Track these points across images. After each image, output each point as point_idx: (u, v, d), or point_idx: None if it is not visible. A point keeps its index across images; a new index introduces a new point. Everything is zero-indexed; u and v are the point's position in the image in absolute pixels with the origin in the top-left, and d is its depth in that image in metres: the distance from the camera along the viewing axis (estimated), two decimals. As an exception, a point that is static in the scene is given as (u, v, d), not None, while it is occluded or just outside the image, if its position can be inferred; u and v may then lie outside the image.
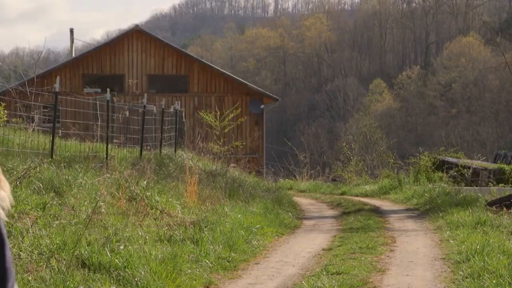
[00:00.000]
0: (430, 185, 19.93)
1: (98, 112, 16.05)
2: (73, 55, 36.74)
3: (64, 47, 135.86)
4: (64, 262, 7.00)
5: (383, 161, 33.28)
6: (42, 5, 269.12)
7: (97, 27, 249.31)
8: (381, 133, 41.60)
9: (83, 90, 32.14)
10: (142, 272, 7.30)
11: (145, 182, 11.51)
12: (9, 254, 2.50)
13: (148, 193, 11.05)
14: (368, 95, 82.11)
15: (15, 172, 9.04)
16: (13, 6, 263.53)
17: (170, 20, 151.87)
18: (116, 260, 7.39)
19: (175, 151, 18.62)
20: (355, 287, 7.85)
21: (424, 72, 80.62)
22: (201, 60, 36.00)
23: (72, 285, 6.57)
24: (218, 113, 25.80)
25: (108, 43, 34.90)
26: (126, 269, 7.30)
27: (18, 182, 8.39)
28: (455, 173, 24.74)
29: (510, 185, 25.56)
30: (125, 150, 15.44)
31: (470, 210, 13.73)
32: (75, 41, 37.86)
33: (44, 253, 7.09)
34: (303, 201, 20.45)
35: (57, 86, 11.79)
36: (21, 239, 7.11)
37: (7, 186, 2.75)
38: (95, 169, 11.49)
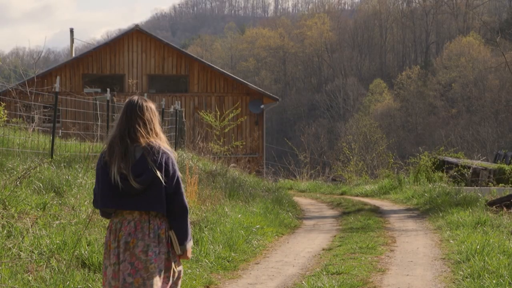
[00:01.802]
0: (430, 185, 19.93)
1: (98, 112, 16.05)
2: (73, 55, 36.74)
3: (64, 47, 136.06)
4: (64, 262, 7.00)
5: (383, 161, 33.28)
6: (47, 4, 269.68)
7: (100, 27, 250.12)
8: (381, 133, 41.61)
9: (83, 90, 32.14)
10: (142, 272, 7.30)
11: (145, 182, 11.49)
12: (184, 194, 4.47)
13: (148, 193, 11.03)
14: (368, 95, 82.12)
15: (15, 172, 9.04)
16: (18, 6, 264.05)
17: (170, 20, 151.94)
18: (116, 260, 7.39)
19: (175, 151, 18.62)
20: (355, 287, 7.85)
21: (424, 72, 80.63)
22: (201, 60, 36.00)
23: (72, 285, 6.57)
24: (218, 113, 25.82)
25: (108, 43, 34.88)
26: (126, 269, 7.29)
27: (18, 182, 8.39)
28: (455, 173, 24.74)
29: (510, 185, 25.56)
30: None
31: (470, 210, 13.73)
32: (75, 41, 37.87)
33: (44, 253, 7.09)
34: (303, 201, 20.45)
35: (57, 86, 11.79)
36: (21, 239, 7.11)
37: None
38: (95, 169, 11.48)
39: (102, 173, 4.47)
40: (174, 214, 4.47)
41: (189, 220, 4.55)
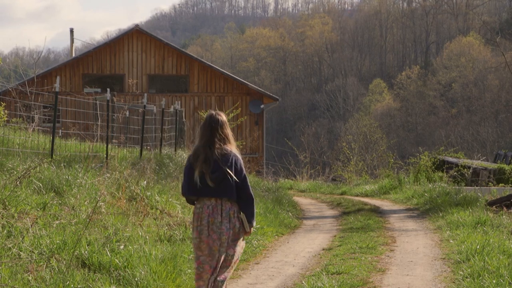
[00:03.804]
0: (430, 185, 19.91)
1: (98, 112, 16.05)
2: (73, 55, 36.73)
3: (64, 47, 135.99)
4: (64, 262, 7.00)
5: (383, 161, 33.27)
6: (52, 4, 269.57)
7: (104, 27, 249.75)
8: (381, 133, 41.59)
9: (83, 90, 32.14)
10: (142, 272, 7.30)
11: (145, 182, 11.51)
12: (249, 186, 6.05)
13: (148, 193, 11.05)
14: (368, 95, 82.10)
15: (15, 172, 9.03)
16: (22, 6, 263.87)
17: (170, 20, 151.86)
18: (116, 260, 7.39)
19: (175, 151, 18.62)
20: (355, 287, 7.85)
21: (424, 72, 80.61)
22: (201, 60, 35.98)
23: (72, 285, 6.57)
24: (218, 113, 25.75)
25: (108, 43, 34.86)
26: (126, 269, 7.29)
27: (18, 182, 8.39)
28: (455, 173, 24.74)
29: (510, 185, 25.58)
30: (125, 150, 15.44)
31: (470, 210, 13.72)
32: (75, 41, 37.87)
33: (44, 253, 7.09)
34: (303, 201, 20.45)
35: (57, 86, 11.78)
36: (21, 239, 7.11)
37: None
38: (95, 169, 11.49)
39: (188, 171, 6.07)
40: (243, 200, 6.04)
41: (254, 205, 6.12)
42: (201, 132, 6.17)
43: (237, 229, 6.06)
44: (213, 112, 6.16)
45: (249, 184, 6.10)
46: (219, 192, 6.00)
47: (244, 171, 6.10)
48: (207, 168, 5.97)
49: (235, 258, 6.10)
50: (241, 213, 6.07)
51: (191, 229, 6.23)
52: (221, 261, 6.02)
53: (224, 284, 6.06)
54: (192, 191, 6.08)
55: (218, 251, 6.00)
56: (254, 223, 6.19)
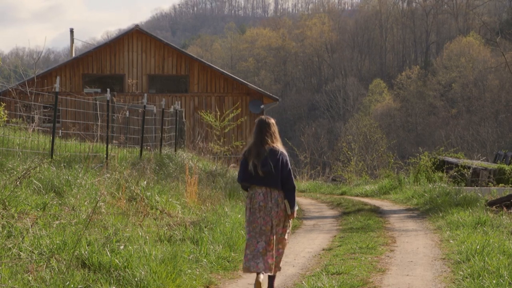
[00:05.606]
0: (430, 185, 19.90)
1: (98, 112, 16.05)
2: (73, 55, 36.74)
3: (64, 47, 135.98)
4: (64, 262, 7.00)
5: (383, 161, 33.26)
6: (56, 4, 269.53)
7: (107, 27, 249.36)
8: (381, 133, 41.57)
9: (83, 90, 32.14)
10: (142, 272, 7.30)
11: (145, 182, 11.51)
12: (293, 178, 7.45)
13: (148, 193, 11.05)
14: (368, 95, 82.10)
15: (15, 172, 9.03)
16: (27, 6, 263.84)
17: (170, 20, 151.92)
18: (116, 260, 7.39)
19: (175, 151, 18.63)
20: (355, 287, 7.85)
21: (424, 72, 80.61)
22: (201, 60, 35.99)
23: (72, 285, 6.57)
24: (218, 113, 25.81)
25: (108, 43, 34.87)
26: (126, 269, 7.29)
27: (18, 182, 8.39)
28: (455, 173, 24.73)
29: (510, 185, 25.58)
30: (125, 150, 15.44)
31: (470, 210, 13.71)
32: (75, 41, 37.88)
33: (44, 253, 7.09)
34: (303, 201, 20.44)
35: (57, 86, 11.78)
36: (21, 239, 7.11)
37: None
38: (95, 169, 11.49)
39: (244, 164, 7.40)
40: (287, 190, 7.34)
41: (295, 194, 7.42)
42: (253, 132, 7.46)
43: (284, 212, 7.34)
44: (263, 117, 7.51)
45: (292, 176, 7.38)
46: (268, 182, 7.27)
47: (290, 166, 7.36)
48: (258, 161, 7.25)
49: (285, 235, 7.42)
50: (285, 199, 7.31)
51: (245, 210, 7.54)
52: (274, 240, 7.31)
53: (281, 258, 7.43)
54: (246, 179, 7.38)
55: (270, 231, 7.29)
56: (296, 208, 7.44)
